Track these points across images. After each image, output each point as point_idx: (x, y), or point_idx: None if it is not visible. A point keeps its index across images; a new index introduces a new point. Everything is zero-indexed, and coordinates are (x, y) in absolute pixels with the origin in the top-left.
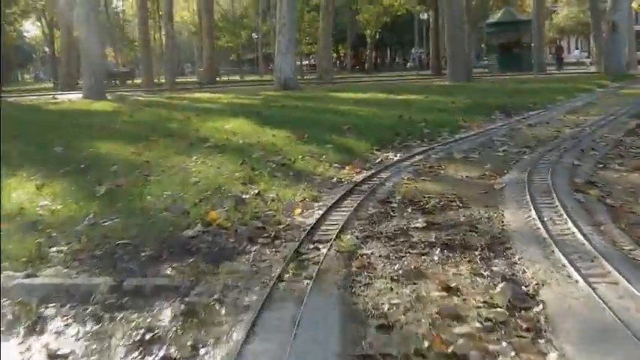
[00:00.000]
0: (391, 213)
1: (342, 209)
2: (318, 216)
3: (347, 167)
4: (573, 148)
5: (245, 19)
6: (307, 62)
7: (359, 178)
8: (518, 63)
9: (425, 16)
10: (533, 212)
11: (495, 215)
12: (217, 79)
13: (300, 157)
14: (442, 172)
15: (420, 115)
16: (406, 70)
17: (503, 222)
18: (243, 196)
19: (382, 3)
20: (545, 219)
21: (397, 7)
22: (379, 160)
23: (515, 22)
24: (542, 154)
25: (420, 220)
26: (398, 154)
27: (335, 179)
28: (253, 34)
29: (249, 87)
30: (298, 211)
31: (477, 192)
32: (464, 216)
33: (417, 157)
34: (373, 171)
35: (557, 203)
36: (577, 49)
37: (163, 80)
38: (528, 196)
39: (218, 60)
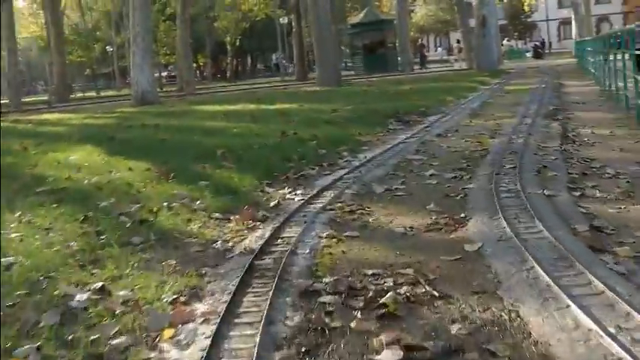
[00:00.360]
0: (328, 323)
1: (243, 320)
2: (205, 343)
3: (233, 219)
4: (521, 167)
5: (98, 32)
6: (167, 73)
7: (254, 240)
8: (384, 64)
9: (285, 20)
10: (575, 309)
11: (507, 317)
12: (71, 96)
13: (165, 205)
14: (370, 219)
15: (307, 130)
16: (269, 76)
17: (532, 336)
18: (78, 298)
19: (240, 9)
20: (606, 321)
21: (256, 13)
22: (275, 202)
23: (378, 22)
24: (491, 181)
25: (384, 339)
26: (298, 192)
27: (219, 244)
28: (107, 47)
29: (106, 103)
30: (170, 332)
31: (444, 260)
32: (453, 321)
33: (326, 196)
34: (273, 225)
35: (595, 282)
36: (439, 46)
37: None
38: (541, 271)
39: (71, 76)
